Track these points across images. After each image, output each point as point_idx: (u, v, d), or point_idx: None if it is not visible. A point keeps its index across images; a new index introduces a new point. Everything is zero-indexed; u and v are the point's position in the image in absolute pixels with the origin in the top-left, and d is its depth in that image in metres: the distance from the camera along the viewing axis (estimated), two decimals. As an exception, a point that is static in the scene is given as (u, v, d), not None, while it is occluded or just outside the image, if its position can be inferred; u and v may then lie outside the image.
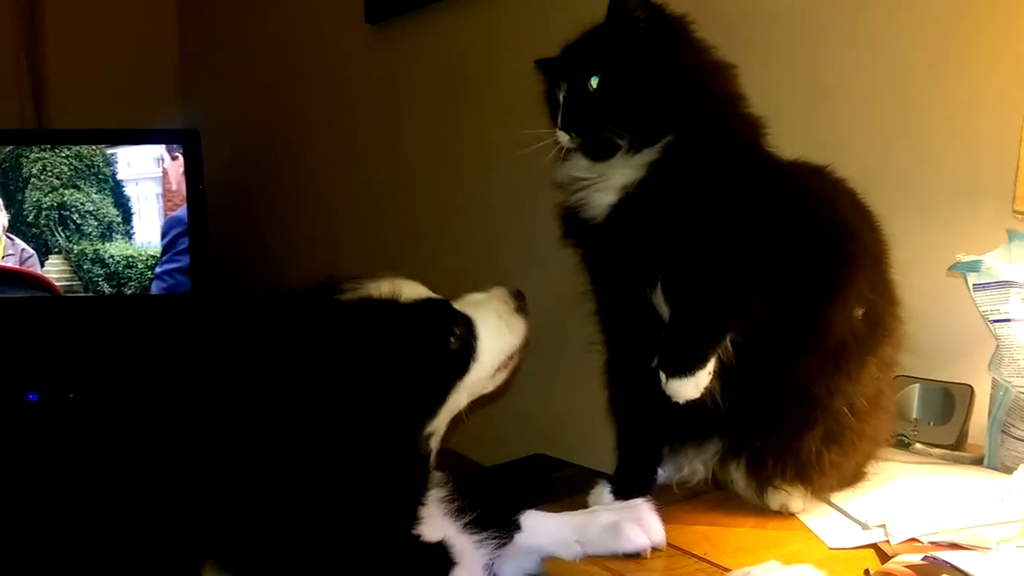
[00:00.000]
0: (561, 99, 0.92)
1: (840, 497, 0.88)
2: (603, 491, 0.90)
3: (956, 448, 1.02)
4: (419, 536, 0.74)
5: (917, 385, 1.08)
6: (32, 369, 2.47)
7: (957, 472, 0.95)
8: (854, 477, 0.92)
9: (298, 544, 0.68)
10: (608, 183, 0.89)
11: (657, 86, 0.87)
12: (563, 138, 0.91)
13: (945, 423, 1.05)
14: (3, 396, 2.40)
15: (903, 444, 1.04)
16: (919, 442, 1.04)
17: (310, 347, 0.74)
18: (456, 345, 0.80)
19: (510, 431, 1.89)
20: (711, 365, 0.82)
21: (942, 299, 1.09)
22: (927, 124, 1.15)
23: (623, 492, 0.89)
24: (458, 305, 0.84)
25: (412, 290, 0.80)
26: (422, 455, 0.77)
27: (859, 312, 0.86)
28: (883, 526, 0.80)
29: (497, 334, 0.84)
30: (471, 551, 0.78)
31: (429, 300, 0.80)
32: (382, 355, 0.74)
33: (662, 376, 0.83)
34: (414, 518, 0.74)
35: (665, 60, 0.89)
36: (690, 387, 0.82)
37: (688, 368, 0.82)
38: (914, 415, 1.07)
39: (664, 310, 0.87)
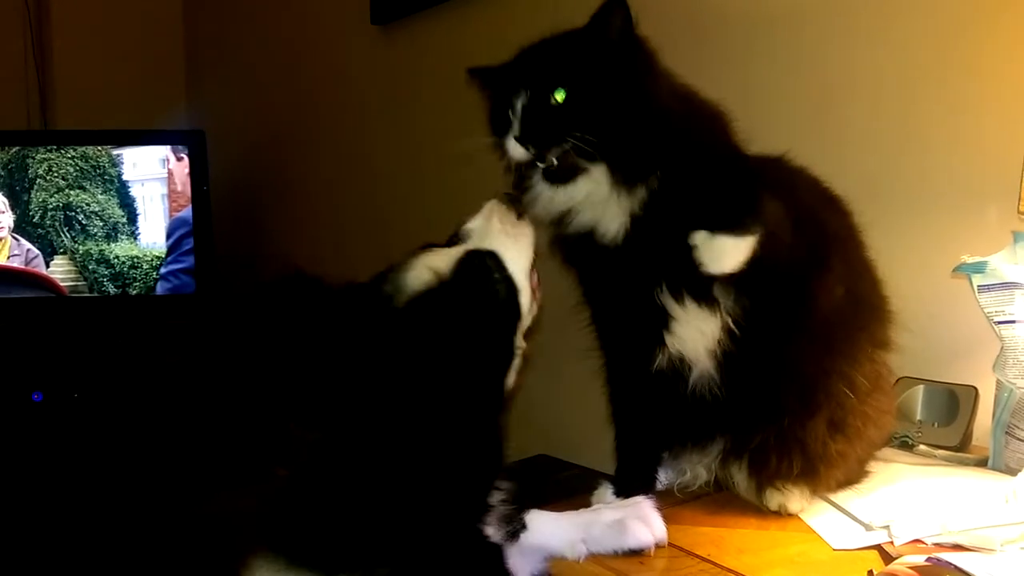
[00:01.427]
0: (519, 108, 0.85)
1: (843, 498, 0.88)
2: (606, 492, 0.91)
3: (960, 450, 1.02)
4: (485, 533, 0.70)
5: (921, 386, 1.08)
6: (37, 369, 2.48)
7: (961, 474, 0.94)
8: (858, 471, 0.92)
9: (371, 526, 0.65)
10: (613, 209, 0.86)
11: (640, 119, 0.84)
12: (516, 151, 0.86)
13: (949, 425, 1.04)
14: (8, 396, 2.41)
15: (907, 445, 1.04)
16: (923, 443, 1.03)
17: (383, 329, 0.71)
18: (502, 288, 0.76)
19: (512, 432, 1.89)
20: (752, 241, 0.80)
21: (947, 300, 1.09)
22: (932, 126, 1.15)
23: (625, 492, 0.89)
24: (472, 243, 0.79)
25: (435, 259, 0.76)
26: (499, 432, 0.73)
27: (839, 289, 0.87)
28: (887, 527, 0.80)
29: (517, 253, 0.79)
30: (515, 555, 0.74)
31: (463, 260, 0.76)
32: (457, 328, 0.71)
33: (704, 238, 0.79)
34: (486, 506, 0.70)
35: (645, 90, 0.86)
36: (741, 248, 0.78)
37: (741, 223, 0.79)
38: (918, 416, 1.07)
39: (673, 307, 0.87)
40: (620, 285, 0.89)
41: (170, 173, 2.50)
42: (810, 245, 0.85)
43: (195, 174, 2.47)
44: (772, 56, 1.32)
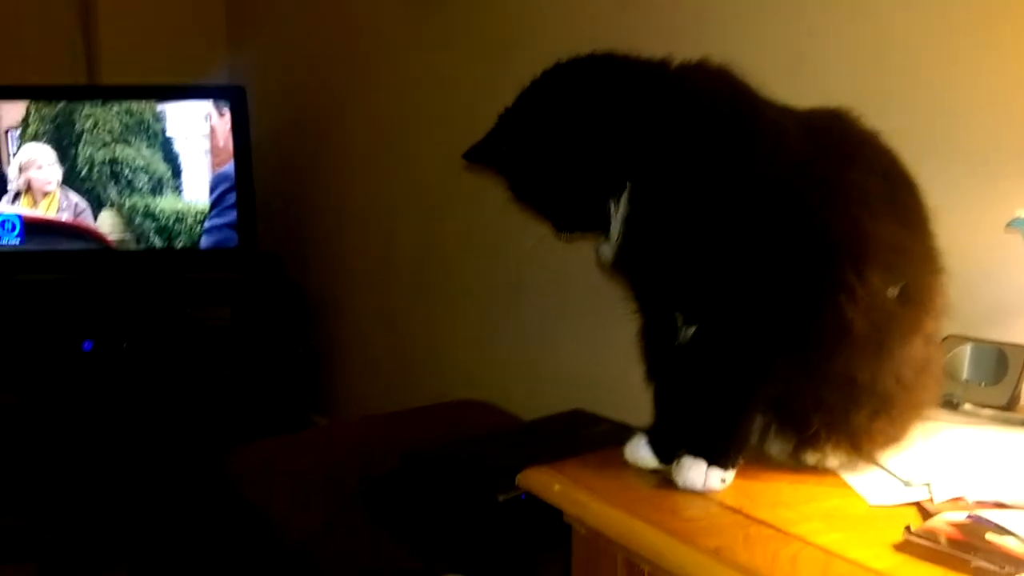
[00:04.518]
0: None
1: (883, 455, 0.86)
2: (639, 443, 0.89)
3: (1007, 409, 0.99)
4: None
5: (969, 345, 1.05)
6: (87, 319, 2.55)
7: (1006, 432, 0.92)
8: (901, 435, 0.90)
9: None
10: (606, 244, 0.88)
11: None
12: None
13: (997, 384, 1.01)
14: (60, 345, 2.48)
15: (951, 404, 1.01)
16: (968, 402, 1.01)
17: None
18: None
19: (549, 386, 1.90)
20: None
21: (999, 256, 1.05)
22: (980, 74, 1.10)
23: (660, 445, 0.88)
24: None
25: None
26: None
27: (893, 291, 0.81)
28: (927, 484, 0.79)
29: None
30: None
31: None
32: None
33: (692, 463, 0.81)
34: None
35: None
36: (717, 481, 0.81)
37: (726, 460, 0.81)
38: (964, 376, 1.04)
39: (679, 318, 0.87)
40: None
41: (212, 129, 2.52)
42: (840, 263, 0.78)
43: (236, 130, 2.49)
44: None
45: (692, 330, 0.85)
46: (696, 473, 0.81)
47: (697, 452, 0.82)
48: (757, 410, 0.84)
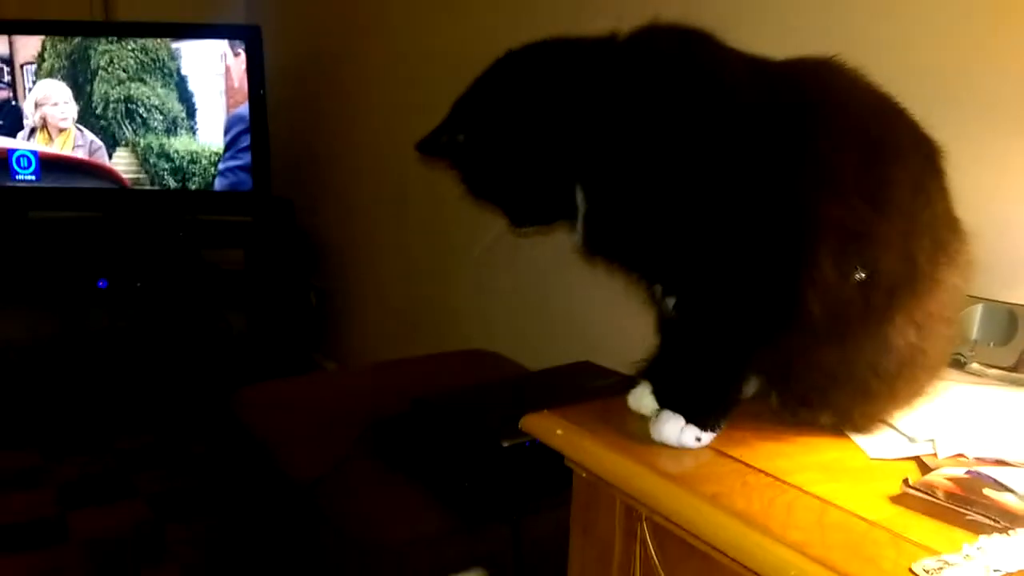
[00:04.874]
0: None
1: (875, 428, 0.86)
2: (644, 391, 0.90)
3: (1015, 370, 0.99)
4: None
5: (980, 305, 1.04)
6: (102, 258, 2.57)
7: (1013, 392, 0.92)
8: (891, 417, 0.89)
9: None
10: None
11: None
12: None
13: (1006, 345, 1.01)
14: (76, 282, 2.51)
15: (959, 364, 1.01)
16: (976, 362, 1.00)
17: None
18: None
19: (558, 338, 1.90)
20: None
21: (1014, 217, 1.03)
22: (1000, 26, 1.06)
23: (663, 394, 0.88)
24: None
25: None
26: None
27: (859, 276, 0.75)
28: (932, 441, 0.79)
29: None
30: None
31: None
32: None
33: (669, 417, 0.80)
34: None
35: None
36: (691, 439, 0.79)
37: (705, 420, 0.80)
38: (974, 336, 1.04)
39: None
40: None
41: (227, 69, 2.50)
42: (799, 239, 0.74)
43: (252, 70, 2.47)
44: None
45: (671, 300, 0.84)
46: (671, 428, 0.80)
47: (676, 408, 0.81)
48: (739, 375, 0.83)
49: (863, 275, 0.75)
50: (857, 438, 0.82)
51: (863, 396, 0.80)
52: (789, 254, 0.75)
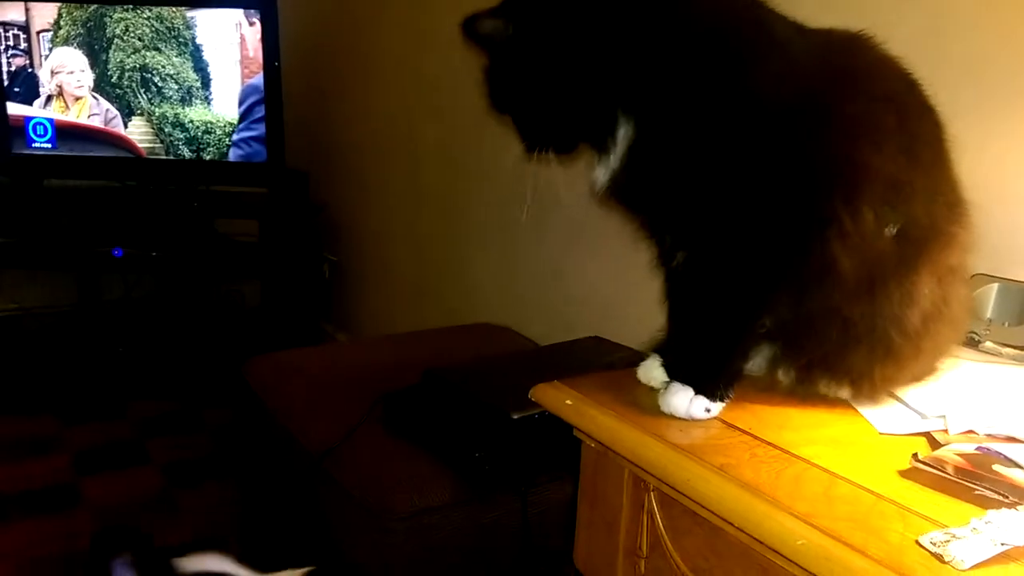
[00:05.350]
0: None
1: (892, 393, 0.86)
2: (653, 364, 0.90)
3: (1030, 350, 0.98)
4: None
5: (996, 284, 1.03)
6: (118, 226, 2.58)
7: (1027, 372, 0.91)
8: (909, 382, 0.88)
9: None
10: (597, 169, 0.83)
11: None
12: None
13: (1021, 324, 1.00)
14: (92, 251, 2.53)
15: (973, 342, 1.00)
16: (991, 341, 1.00)
17: None
18: None
19: (567, 313, 1.90)
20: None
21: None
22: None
23: (674, 366, 0.88)
24: None
25: None
26: None
27: (891, 230, 0.77)
28: (943, 417, 0.78)
29: None
30: None
31: None
32: None
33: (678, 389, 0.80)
34: None
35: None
36: (700, 410, 0.79)
37: (714, 390, 0.80)
38: (988, 315, 1.03)
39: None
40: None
41: (242, 38, 2.49)
42: (827, 198, 0.75)
43: (267, 39, 2.46)
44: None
45: (683, 257, 0.83)
46: (681, 399, 0.80)
47: (685, 379, 0.81)
48: (749, 343, 0.83)
49: (894, 228, 0.77)
50: (867, 412, 0.82)
51: (885, 354, 0.80)
52: (823, 205, 0.75)
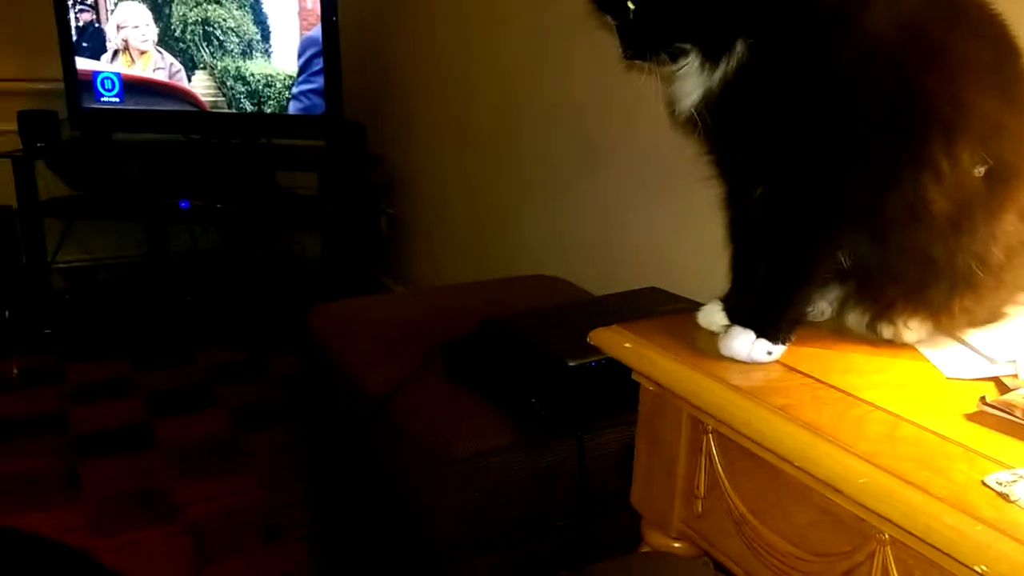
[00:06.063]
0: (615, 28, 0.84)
1: (968, 332, 0.84)
2: (714, 308, 0.90)
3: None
4: None
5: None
6: (184, 179, 2.65)
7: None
8: (988, 319, 0.87)
9: None
10: (689, 85, 0.82)
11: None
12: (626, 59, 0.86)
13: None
14: (159, 203, 2.60)
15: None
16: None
17: None
18: None
19: (625, 264, 1.90)
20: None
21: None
22: None
23: (736, 310, 0.88)
24: None
25: None
26: None
27: (980, 170, 0.77)
28: (1013, 362, 0.77)
29: None
30: None
31: None
32: None
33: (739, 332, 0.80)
34: None
35: None
36: (762, 353, 0.79)
37: (776, 333, 0.80)
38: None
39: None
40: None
41: (301, -10, 2.50)
42: (919, 136, 0.75)
43: (325, -8, 2.47)
44: None
45: (759, 192, 0.82)
46: (742, 343, 0.80)
47: (747, 323, 0.81)
48: (815, 285, 0.83)
49: (983, 169, 0.77)
50: (935, 357, 0.81)
51: (966, 287, 0.80)
52: (922, 145, 0.75)
